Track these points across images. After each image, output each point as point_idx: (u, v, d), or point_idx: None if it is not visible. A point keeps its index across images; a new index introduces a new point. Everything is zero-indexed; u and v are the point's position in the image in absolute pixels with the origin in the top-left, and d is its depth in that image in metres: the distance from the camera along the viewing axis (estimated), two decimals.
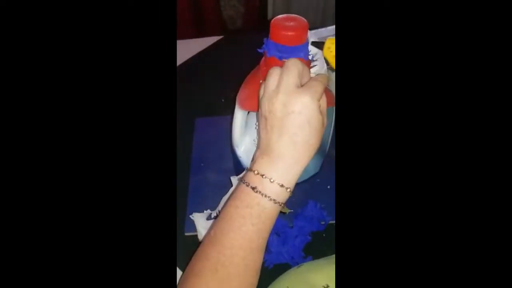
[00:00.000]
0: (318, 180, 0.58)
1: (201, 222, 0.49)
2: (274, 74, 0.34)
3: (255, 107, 0.41)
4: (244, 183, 0.34)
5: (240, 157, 0.52)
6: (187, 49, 0.83)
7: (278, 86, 0.33)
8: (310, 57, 0.42)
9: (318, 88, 0.33)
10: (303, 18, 0.38)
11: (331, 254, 0.47)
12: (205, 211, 0.50)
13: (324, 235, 0.51)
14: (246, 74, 0.77)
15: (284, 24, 0.37)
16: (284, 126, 0.33)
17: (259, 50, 0.41)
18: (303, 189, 0.56)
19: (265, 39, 0.40)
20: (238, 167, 0.54)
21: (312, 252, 0.48)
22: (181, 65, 0.80)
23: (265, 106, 0.34)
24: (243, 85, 0.48)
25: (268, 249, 0.49)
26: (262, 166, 0.34)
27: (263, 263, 0.47)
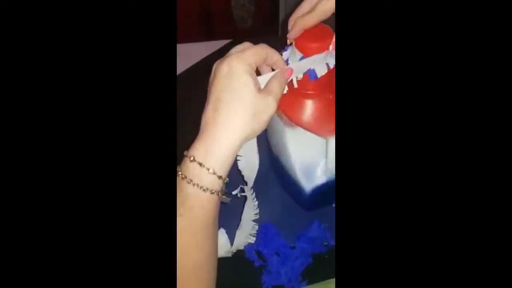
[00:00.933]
0: None
1: None
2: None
3: None
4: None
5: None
6: (194, 53, 0.81)
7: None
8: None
9: (254, 55, 0.32)
10: (328, 27, 0.37)
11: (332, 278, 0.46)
12: None
13: (326, 256, 0.49)
14: None
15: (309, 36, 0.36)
16: (209, 93, 0.31)
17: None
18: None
19: (288, 47, 0.39)
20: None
21: (312, 275, 0.47)
22: (187, 70, 0.78)
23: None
24: None
25: (267, 269, 0.48)
26: (194, 143, 0.31)
27: (262, 284, 0.47)
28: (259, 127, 0.32)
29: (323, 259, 0.49)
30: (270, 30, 1.54)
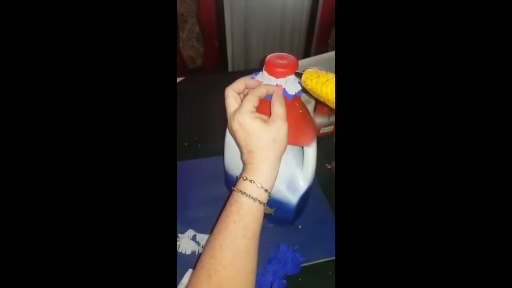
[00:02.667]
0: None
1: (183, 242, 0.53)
2: (229, 96, 0.42)
3: None
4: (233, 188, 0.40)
5: (232, 175, 0.54)
6: None
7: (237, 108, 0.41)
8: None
9: (248, 102, 0.40)
10: (292, 56, 0.44)
11: None
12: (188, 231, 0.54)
13: (300, 279, 0.49)
14: (208, 117, 0.77)
15: (277, 62, 0.43)
16: (239, 144, 0.41)
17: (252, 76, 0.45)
18: (274, 232, 0.55)
19: (256, 73, 0.45)
20: (230, 185, 0.55)
21: None
22: None
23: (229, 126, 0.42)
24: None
25: None
26: (243, 172, 0.41)
27: None
28: (282, 145, 0.40)
29: (297, 282, 0.49)
30: (220, 66, 1.60)
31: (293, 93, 0.43)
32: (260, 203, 0.39)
